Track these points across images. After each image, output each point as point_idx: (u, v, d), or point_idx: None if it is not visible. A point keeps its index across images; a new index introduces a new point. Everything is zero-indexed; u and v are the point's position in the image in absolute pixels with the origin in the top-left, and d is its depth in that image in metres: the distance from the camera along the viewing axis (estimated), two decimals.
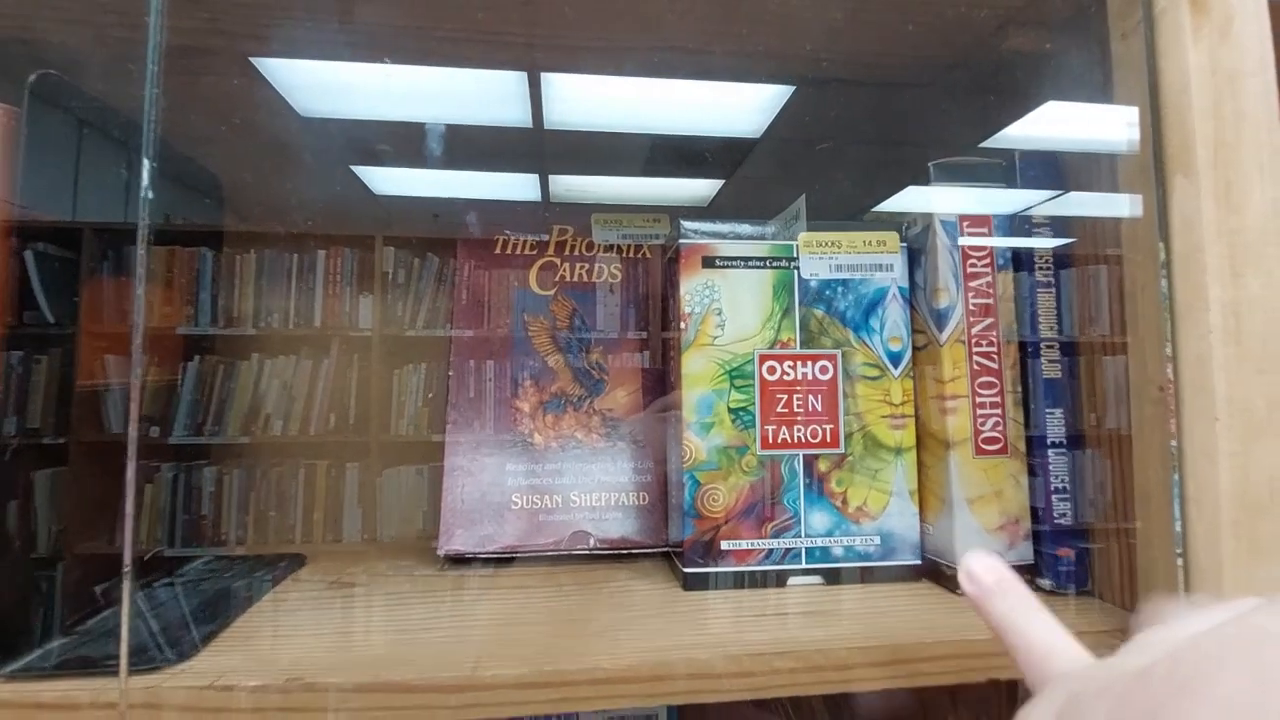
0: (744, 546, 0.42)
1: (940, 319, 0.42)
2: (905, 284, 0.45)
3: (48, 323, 1.61)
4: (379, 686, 0.31)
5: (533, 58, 0.64)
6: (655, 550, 0.49)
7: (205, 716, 0.30)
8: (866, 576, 0.43)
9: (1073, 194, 0.42)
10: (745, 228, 0.44)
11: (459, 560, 0.48)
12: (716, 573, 0.42)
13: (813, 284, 0.44)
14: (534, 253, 0.56)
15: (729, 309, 0.44)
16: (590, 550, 0.48)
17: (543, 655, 0.33)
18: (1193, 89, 0.33)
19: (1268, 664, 0.11)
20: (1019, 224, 0.43)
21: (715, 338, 0.43)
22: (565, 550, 0.48)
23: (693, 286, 0.44)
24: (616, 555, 0.49)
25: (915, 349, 0.44)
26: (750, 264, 0.44)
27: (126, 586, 0.31)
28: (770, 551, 0.42)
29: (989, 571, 0.26)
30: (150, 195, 0.28)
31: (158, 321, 1.77)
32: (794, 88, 0.85)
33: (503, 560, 0.48)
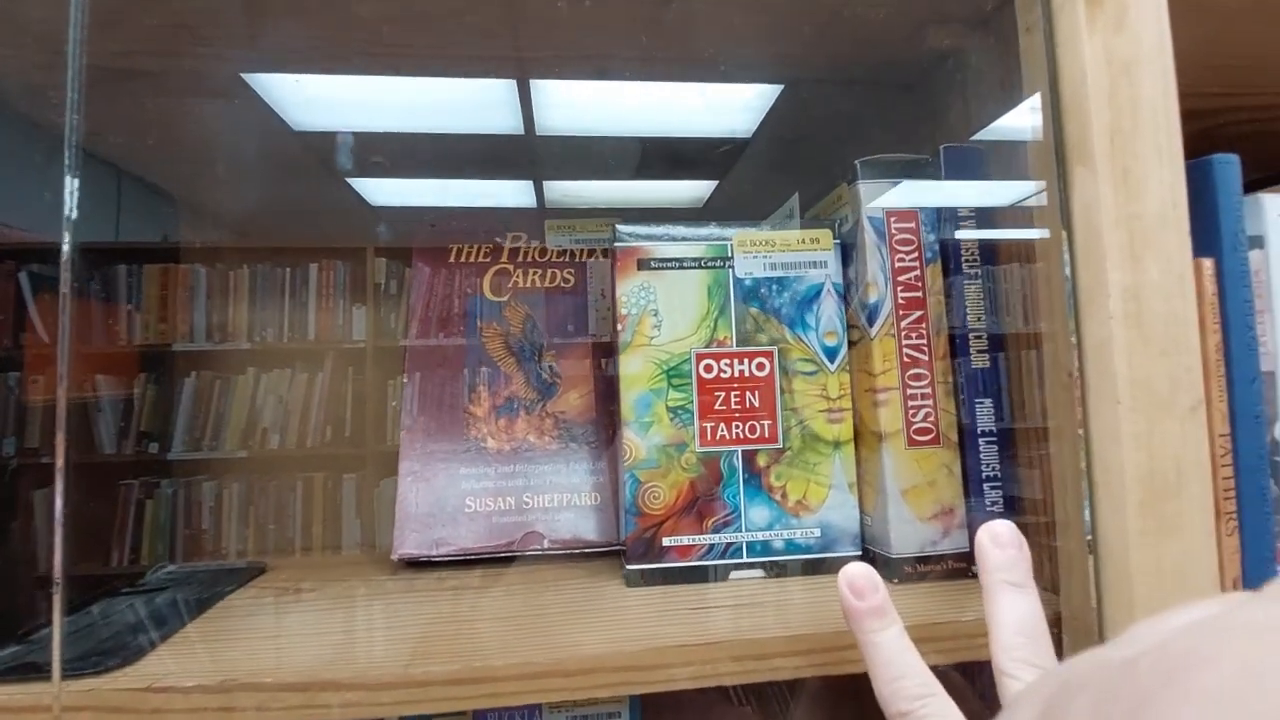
0: (685, 542, 0.43)
1: (871, 313, 0.43)
2: (839, 280, 0.46)
3: (44, 342, 1.64)
4: (311, 685, 0.32)
5: (522, 64, 0.65)
6: (608, 549, 0.50)
7: (142, 718, 0.31)
8: (808, 568, 0.43)
9: (994, 185, 0.43)
10: (680, 229, 0.45)
11: (414, 564, 0.49)
12: (658, 568, 0.43)
13: (747, 282, 0.45)
14: (488, 260, 0.57)
15: (665, 310, 0.45)
16: (543, 551, 0.49)
17: (476, 653, 0.34)
18: (1089, 80, 0.34)
19: (1256, 655, 0.11)
20: (946, 217, 0.44)
21: (652, 338, 0.44)
22: (519, 551, 0.49)
23: (629, 288, 0.45)
24: (570, 555, 0.50)
25: (850, 344, 0.45)
26: (685, 265, 0.45)
27: (58, 594, 0.32)
28: (711, 547, 0.43)
29: (869, 591, 0.28)
30: (74, 215, 0.30)
31: (154, 339, 1.79)
32: (782, 87, 0.86)
33: (456, 563, 0.49)
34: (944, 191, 0.43)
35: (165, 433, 1.79)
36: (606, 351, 0.55)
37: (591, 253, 0.58)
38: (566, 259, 0.58)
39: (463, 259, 0.57)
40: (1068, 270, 0.34)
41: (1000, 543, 0.29)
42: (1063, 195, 0.35)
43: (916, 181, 0.44)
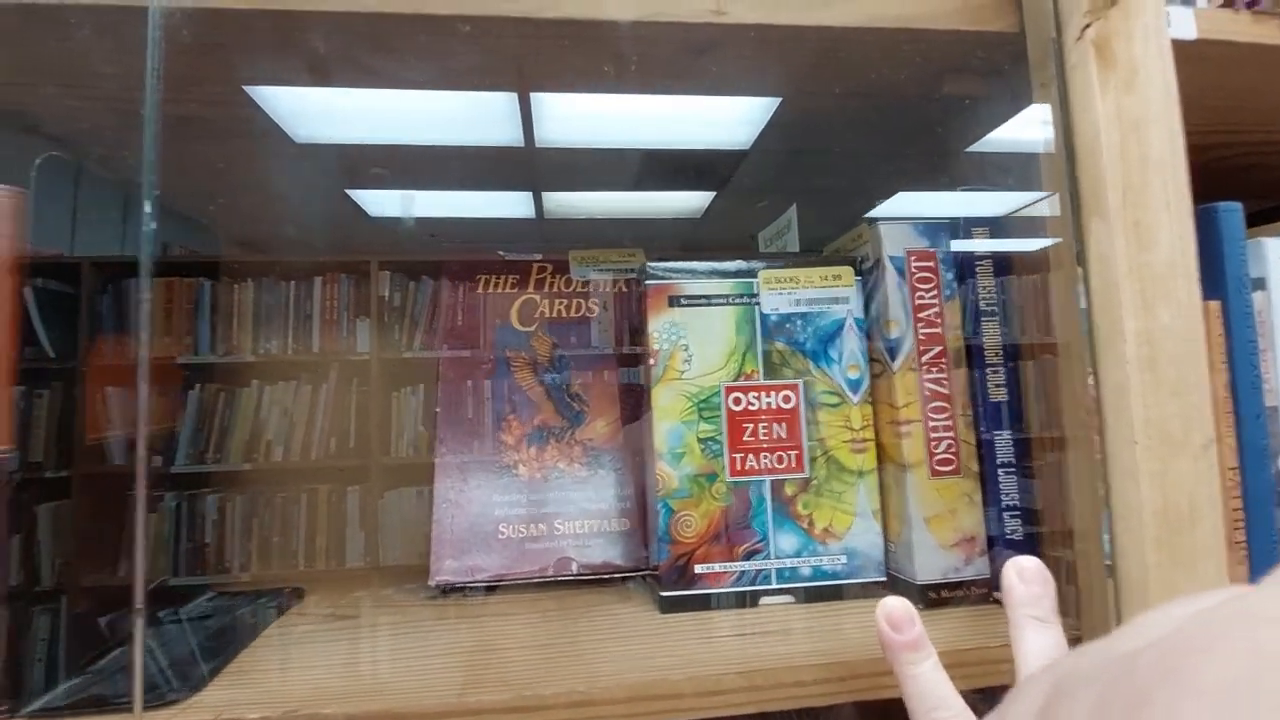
0: (716, 569, 0.45)
1: (893, 348, 0.45)
2: (861, 315, 0.48)
3: (48, 357, 1.64)
4: (369, 716, 0.34)
5: (523, 78, 0.66)
6: (637, 574, 0.52)
7: None
8: (835, 594, 0.45)
9: (1012, 237, 0.45)
10: (709, 266, 0.47)
11: (449, 590, 0.50)
12: (691, 595, 0.45)
13: (773, 318, 0.47)
14: (515, 290, 0.59)
15: (695, 345, 0.46)
16: (575, 576, 0.51)
17: (524, 681, 0.36)
18: (1102, 138, 0.36)
19: (1256, 647, 0.11)
20: (964, 258, 0.46)
21: (683, 372, 0.46)
22: (551, 577, 0.51)
23: (660, 324, 0.47)
24: (600, 580, 0.51)
25: (873, 376, 0.47)
26: (713, 302, 0.47)
27: (139, 624, 0.33)
28: (742, 573, 0.45)
29: (907, 625, 0.29)
30: (153, 226, 0.31)
31: (158, 351, 1.80)
32: (780, 99, 0.87)
33: (490, 588, 0.50)
34: (960, 239, 0.45)
35: (169, 446, 1.79)
36: (628, 373, 0.56)
37: (615, 283, 0.60)
38: (591, 289, 0.59)
39: (490, 289, 0.59)
40: (1085, 317, 0.36)
41: (1026, 578, 0.31)
42: (1079, 245, 0.37)
43: (934, 224, 0.46)
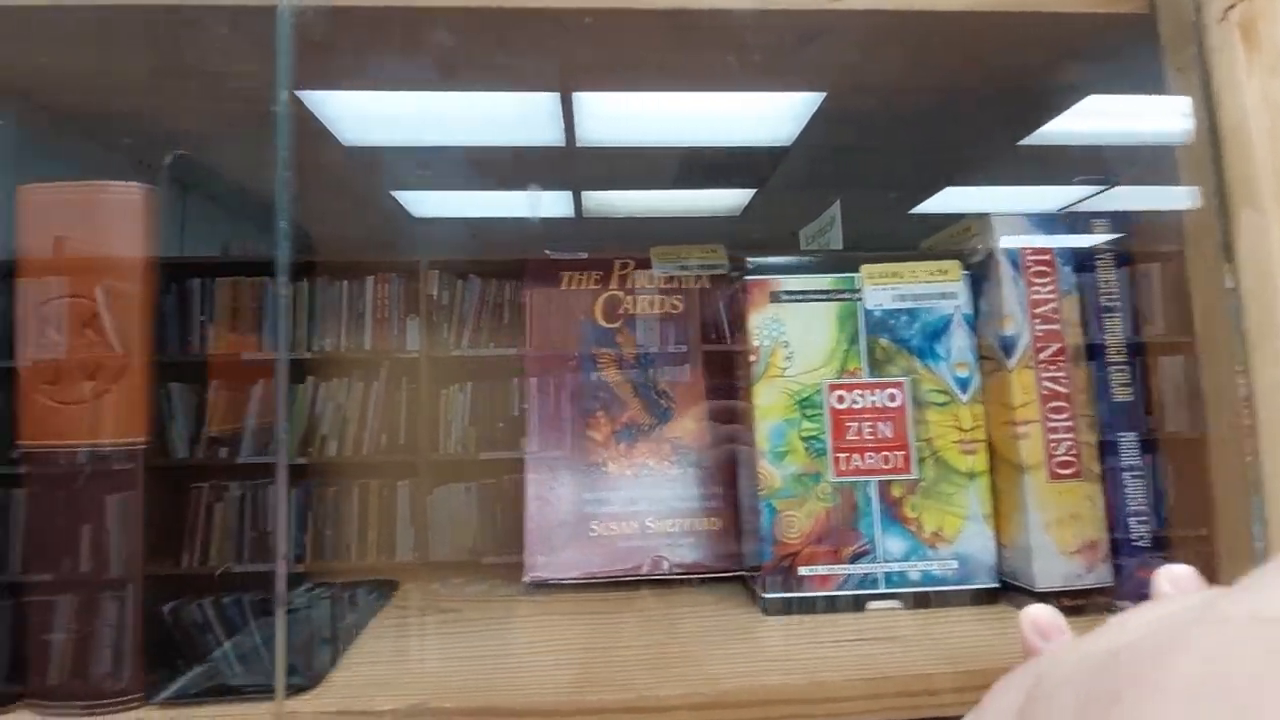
0: (822, 572, 0.44)
1: (1008, 346, 0.44)
2: (969, 311, 0.46)
3: (116, 354, 1.70)
4: (493, 711, 0.34)
5: (566, 78, 0.65)
6: (729, 574, 0.51)
7: None
8: (944, 600, 0.44)
9: (1143, 225, 0.43)
10: (809, 261, 0.46)
11: (542, 585, 0.50)
12: (796, 598, 0.44)
13: (877, 314, 0.46)
14: (598, 286, 0.58)
15: (796, 341, 0.45)
16: (669, 575, 0.50)
17: (641, 681, 0.35)
18: (1251, 123, 0.34)
19: (1223, 648, 0.11)
20: (1083, 252, 0.44)
21: (784, 369, 0.45)
22: (645, 575, 0.50)
23: (760, 320, 0.46)
24: (690, 580, 0.51)
25: (983, 375, 0.46)
26: (814, 297, 0.46)
27: (280, 614, 0.34)
28: (848, 577, 0.44)
29: (1056, 633, 0.28)
30: (285, 227, 0.32)
31: (225, 348, 1.86)
32: (825, 94, 0.85)
33: (583, 585, 0.50)
34: (1080, 229, 0.43)
35: (235, 439, 1.85)
36: (719, 376, 0.56)
37: (698, 279, 0.60)
38: (675, 285, 0.59)
39: (573, 286, 0.58)
40: (1235, 313, 0.34)
41: (1181, 588, 0.29)
42: (1226, 238, 0.35)
43: (1051, 216, 0.44)
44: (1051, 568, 0.42)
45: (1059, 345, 0.43)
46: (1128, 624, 0.14)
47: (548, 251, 0.76)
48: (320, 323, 1.96)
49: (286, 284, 0.35)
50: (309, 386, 1.96)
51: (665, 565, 0.51)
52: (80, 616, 0.35)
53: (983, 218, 0.45)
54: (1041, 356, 0.43)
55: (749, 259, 0.47)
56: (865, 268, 0.46)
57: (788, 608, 0.43)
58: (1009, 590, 0.44)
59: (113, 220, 0.35)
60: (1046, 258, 0.44)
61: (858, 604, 0.44)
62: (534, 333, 0.57)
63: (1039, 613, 0.29)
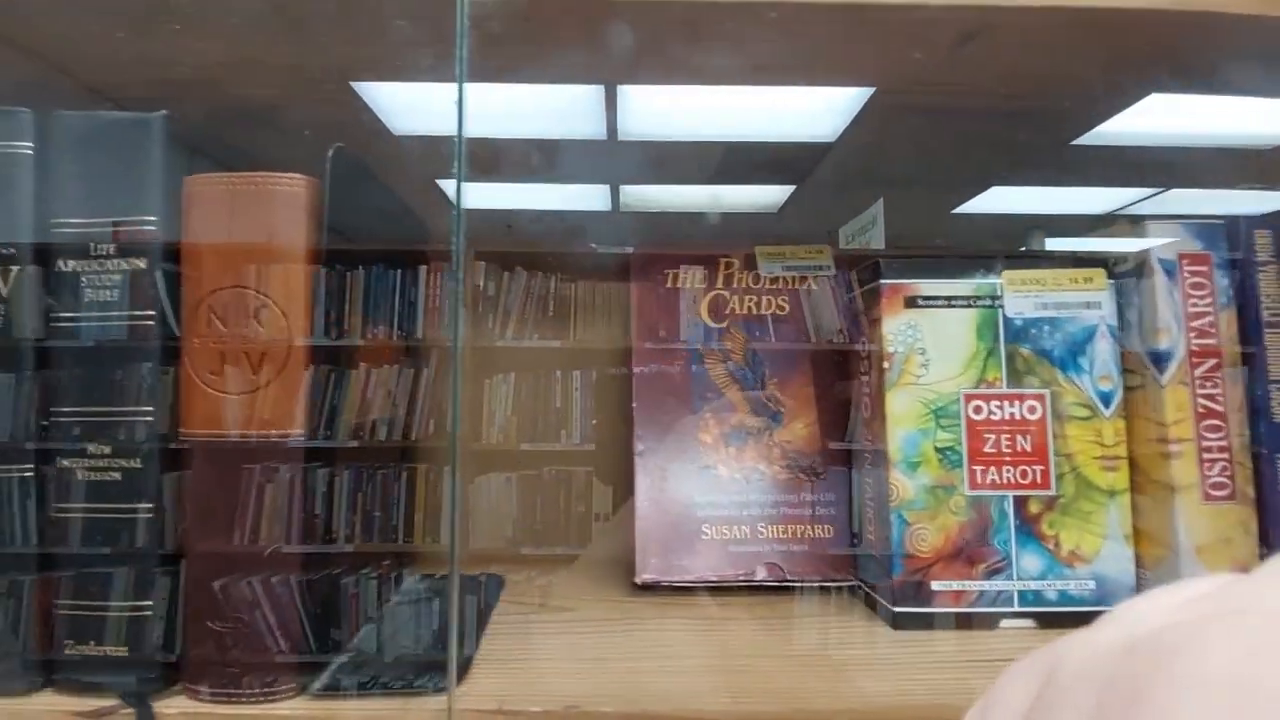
0: (955, 588, 0.43)
1: (1160, 360, 0.42)
2: (1114, 322, 0.44)
3: (174, 335, 1.74)
4: (648, 718, 0.33)
5: (611, 71, 0.64)
6: (844, 585, 0.50)
7: None
8: (1080, 621, 0.42)
9: None
10: (948, 265, 0.45)
11: (650, 587, 0.50)
12: (927, 613, 0.42)
13: (1018, 322, 0.44)
14: (704, 285, 0.57)
15: (933, 348, 0.44)
16: (780, 583, 0.50)
17: (788, 693, 0.34)
18: None
19: (1247, 643, 0.11)
20: (1242, 262, 0.42)
21: (919, 377, 0.44)
22: (761, 582, 0.49)
23: (895, 326, 0.44)
24: (804, 589, 0.50)
25: (1127, 389, 0.44)
26: (953, 303, 0.44)
27: (454, 610, 0.34)
28: (981, 593, 0.42)
29: None
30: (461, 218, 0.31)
31: (278, 334, 1.89)
32: (873, 89, 0.82)
33: (692, 589, 0.49)
34: (1238, 237, 0.41)
35: (285, 420, 1.88)
36: (828, 380, 0.54)
37: (804, 279, 0.58)
38: (780, 285, 0.58)
39: (679, 285, 0.58)
40: None
41: None
42: None
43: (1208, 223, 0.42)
44: None
45: (1215, 360, 0.41)
46: (1140, 614, 0.14)
47: (593, 245, 0.76)
48: (374, 311, 1.98)
49: (461, 275, 0.34)
50: (361, 373, 1.99)
51: (782, 573, 0.50)
52: (236, 603, 0.35)
53: (1137, 222, 0.43)
54: (1197, 372, 0.41)
55: (883, 260, 0.45)
56: (1007, 274, 0.44)
57: (918, 622, 0.42)
58: None
59: (278, 211, 0.35)
60: (1204, 268, 0.42)
61: (991, 621, 0.42)
62: (640, 330, 0.56)
63: None
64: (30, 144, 0.36)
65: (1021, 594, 0.42)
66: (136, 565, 0.35)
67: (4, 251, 0.35)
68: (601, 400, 0.69)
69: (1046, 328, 0.44)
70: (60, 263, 0.36)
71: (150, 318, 0.35)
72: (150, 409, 0.36)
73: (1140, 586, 0.43)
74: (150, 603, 0.35)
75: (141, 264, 0.35)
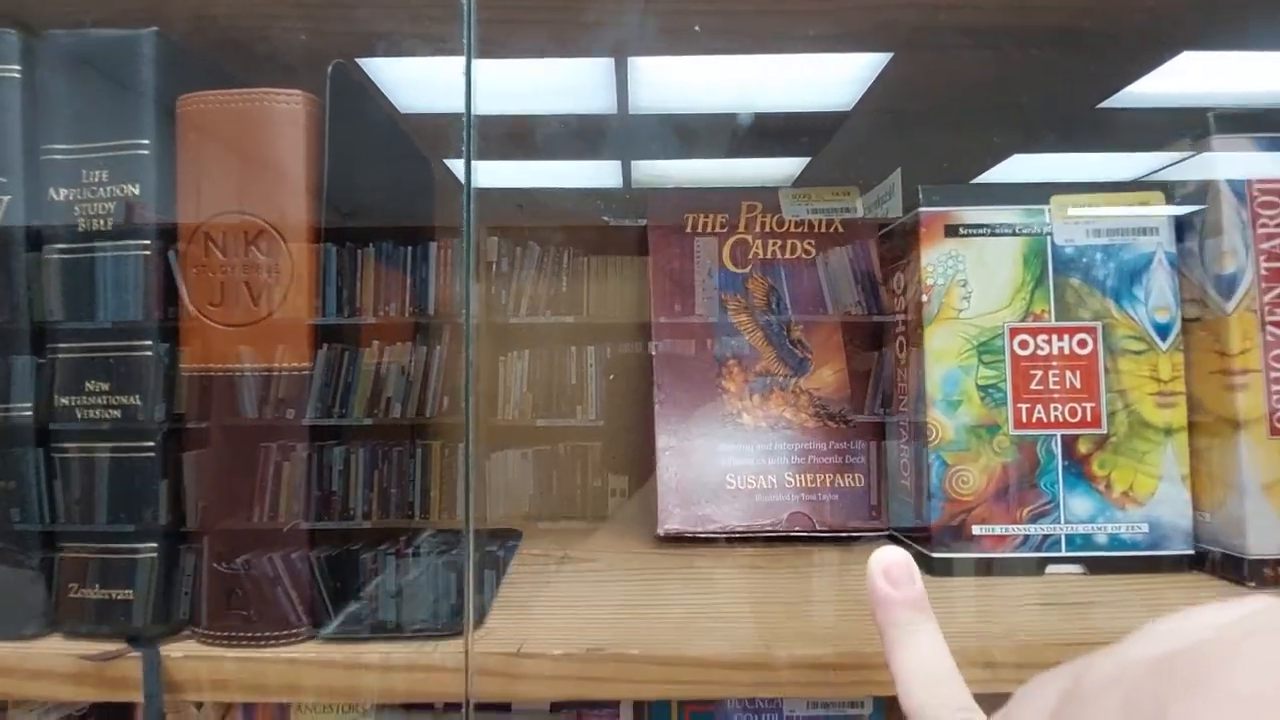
0: (997, 532, 0.40)
1: (1226, 286, 0.39)
2: (1172, 249, 0.41)
3: (191, 315, 1.75)
4: (677, 660, 0.31)
5: (622, 42, 0.62)
6: (874, 535, 0.47)
7: (511, 681, 0.31)
8: (1133, 567, 0.40)
9: None
10: (993, 189, 0.42)
11: (675, 539, 0.48)
12: (967, 559, 0.40)
13: (1068, 250, 0.41)
14: (724, 230, 0.55)
15: (975, 280, 0.41)
16: (808, 533, 0.47)
17: (834, 637, 0.32)
18: None
19: (1274, 657, 0.11)
20: None
21: (960, 310, 0.41)
22: (784, 532, 0.47)
23: (935, 257, 0.41)
24: (833, 539, 0.48)
25: (1186, 321, 0.41)
26: (997, 231, 0.41)
27: (469, 554, 0.32)
28: (1026, 538, 0.40)
29: (906, 581, 0.24)
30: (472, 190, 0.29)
31: (291, 313, 1.89)
32: (891, 54, 0.79)
33: (717, 540, 0.47)
34: None
35: (300, 400, 1.88)
36: (855, 328, 0.52)
37: (830, 224, 0.55)
38: (805, 229, 0.55)
39: (698, 230, 0.55)
40: None
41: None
42: None
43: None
44: (1268, 535, 0.37)
45: None
46: (1170, 631, 0.14)
47: (606, 219, 0.73)
48: (385, 287, 1.97)
49: (472, 248, 0.32)
50: (375, 350, 1.99)
51: (810, 523, 0.48)
52: (248, 546, 0.33)
53: (1200, 140, 0.40)
54: (1267, 298, 0.38)
55: (923, 187, 0.42)
56: (1055, 199, 0.41)
57: (958, 568, 0.40)
58: (1206, 558, 0.39)
59: (278, 130, 0.32)
60: (1277, 187, 0.38)
61: (1037, 567, 0.40)
62: (658, 277, 0.54)
63: (891, 557, 0.25)
64: (18, 67, 0.34)
65: (1069, 538, 0.40)
66: (139, 507, 0.33)
67: None
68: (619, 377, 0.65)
69: (1099, 256, 0.41)
70: (52, 191, 0.34)
71: (145, 247, 0.34)
72: (149, 343, 0.34)
73: (1198, 530, 0.40)
74: (155, 544, 0.33)
75: (135, 190, 0.33)
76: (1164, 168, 0.41)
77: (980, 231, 0.41)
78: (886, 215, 0.63)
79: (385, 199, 0.48)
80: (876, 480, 0.49)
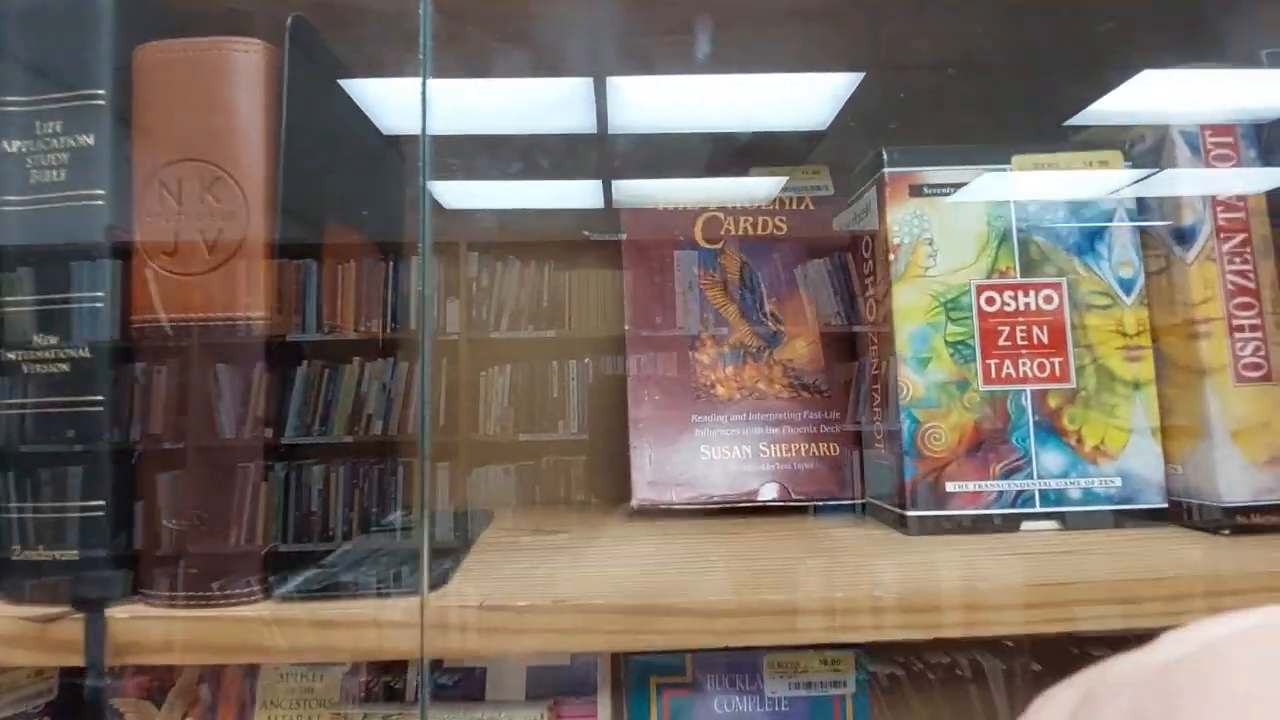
0: (970, 488, 0.40)
1: (1185, 237, 0.39)
2: (1133, 205, 0.42)
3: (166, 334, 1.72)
4: (642, 609, 0.30)
5: (599, 62, 0.63)
6: (849, 503, 0.47)
7: (489, 635, 0.30)
8: (1107, 521, 0.39)
9: None
10: (956, 150, 0.42)
11: (650, 512, 0.47)
12: (942, 516, 0.40)
13: (1030, 208, 0.42)
14: (696, 207, 0.55)
15: (940, 238, 0.41)
16: (783, 502, 0.47)
17: (803, 585, 0.32)
18: None
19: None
20: (1272, 133, 0.39)
21: (927, 269, 0.41)
22: (760, 502, 0.47)
23: (900, 216, 0.42)
24: (809, 507, 0.47)
25: (1150, 273, 0.41)
26: (961, 189, 0.42)
27: (425, 515, 0.31)
28: (1000, 494, 0.40)
29: None
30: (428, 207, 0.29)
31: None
32: (863, 74, 0.80)
33: (695, 512, 0.47)
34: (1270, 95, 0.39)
35: (279, 419, 1.85)
36: (835, 296, 0.52)
37: (800, 200, 0.56)
38: (776, 207, 0.55)
39: (671, 207, 0.55)
40: None
41: None
42: None
43: (1233, 77, 0.40)
44: (1239, 481, 0.37)
45: (1244, 235, 0.39)
46: (1181, 641, 0.15)
47: (586, 233, 0.73)
48: (365, 304, 1.96)
49: (432, 266, 0.32)
50: (355, 366, 1.97)
51: (786, 492, 0.47)
52: (196, 499, 0.32)
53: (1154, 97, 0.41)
54: (1226, 248, 0.39)
55: (886, 149, 0.43)
56: (1017, 159, 0.42)
57: (934, 526, 0.40)
58: (1182, 510, 0.39)
59: (235, 78, 0.32)
60: (1228, 139, 0.39)
61: (1010, 523, 0.40)
62: (632, 254, 0.54)
63: None
64: None
65: (1043, 494, 0.40)
66: (87, 463, 0.32)
67: None
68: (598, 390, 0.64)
69: (1061, 213, 0.42)
70: (4, 144, 0.33)
71: (99, 198, 0.33)
72: (100, 294, 0.33)
73: (1170, 483, 0.40)
74: (101, 502, 0.32)
75: (90, 140, 0.33)
76: (1133, 183, 0.41)
77: (945, 191, 0.42)
78: (864, 230, 0.63)
79: (348, 168, 0.48)
80: (853, 449, 0.48)
